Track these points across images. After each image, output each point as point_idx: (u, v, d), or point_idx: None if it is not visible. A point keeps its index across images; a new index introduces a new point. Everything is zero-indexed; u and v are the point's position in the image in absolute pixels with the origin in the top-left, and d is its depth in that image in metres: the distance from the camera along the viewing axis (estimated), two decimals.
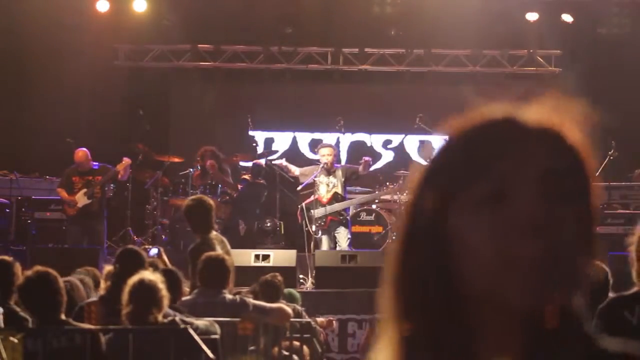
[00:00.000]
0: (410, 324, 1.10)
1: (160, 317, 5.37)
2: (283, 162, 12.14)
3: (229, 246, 7.73)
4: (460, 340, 1.08)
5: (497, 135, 1.09)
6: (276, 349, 7.00)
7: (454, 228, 1.08)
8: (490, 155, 1.08)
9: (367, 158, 11.64)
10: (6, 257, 5.86)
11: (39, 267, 5.35)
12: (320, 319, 8.56)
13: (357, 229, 12.01)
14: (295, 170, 11.75)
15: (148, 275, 5.38)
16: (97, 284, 6.81)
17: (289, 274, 9.48)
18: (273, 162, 12.61)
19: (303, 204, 11.34)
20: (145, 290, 5.28)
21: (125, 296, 5.31)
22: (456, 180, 1.08)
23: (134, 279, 5.33)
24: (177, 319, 5.58)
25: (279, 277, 7.77)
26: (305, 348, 7.42)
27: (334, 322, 9.33)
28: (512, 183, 1.06)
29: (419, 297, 1.10)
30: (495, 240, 1.05)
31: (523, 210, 1.04)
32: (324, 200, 11.30)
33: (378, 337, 1.14)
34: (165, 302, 5.41)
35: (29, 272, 5.33)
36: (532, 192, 1.05)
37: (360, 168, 11.47)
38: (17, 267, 5.73)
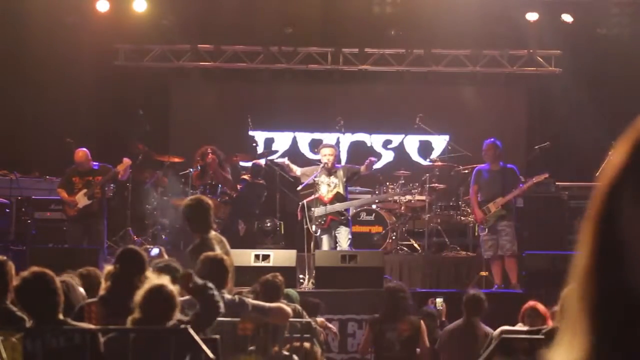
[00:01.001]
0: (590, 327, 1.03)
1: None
2: (285, 160, 12.07)
3: (228, 246, 7.70)
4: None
5: None
6: (276, 348, 6.99)
7: (628, 220, 1.01)
8: None
9: (373, 158, 11.61)
10: None
11: (35, 268, 5.29)
12: (320, 319, 8.54)
13: (357, 229, 12.01)
14: (297, 170, 11.70)
15: (167, 284, 5.31)
16: (96, 285, 6.77)
17: (289, 274, 9.47)
18: (275, 160, 12.58)
19: (304, 201, 11.29)
20: (162, 300, 5.24)
21: (137, 298, 5.23)
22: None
23: (152, 285, 5.26)
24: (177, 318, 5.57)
25: (280, 277, 7.75)
26: (310, 346, 7.38)
27: (328, 325, 9.21)
28: None
29: (597, 296, 1.03)
30: None
31: None
32: (326, 199, 11.27)
33: (559, 336, 1.07)
34: (177, 312, 5.39)
35: (25, 273, 5.27)
36: None
37: (363, 167, 11.41)
38: (11, 266, 5.69)
